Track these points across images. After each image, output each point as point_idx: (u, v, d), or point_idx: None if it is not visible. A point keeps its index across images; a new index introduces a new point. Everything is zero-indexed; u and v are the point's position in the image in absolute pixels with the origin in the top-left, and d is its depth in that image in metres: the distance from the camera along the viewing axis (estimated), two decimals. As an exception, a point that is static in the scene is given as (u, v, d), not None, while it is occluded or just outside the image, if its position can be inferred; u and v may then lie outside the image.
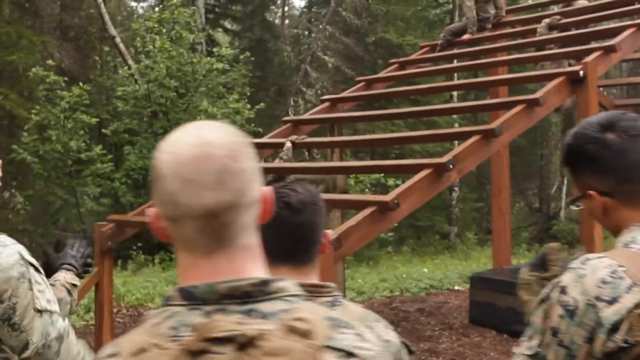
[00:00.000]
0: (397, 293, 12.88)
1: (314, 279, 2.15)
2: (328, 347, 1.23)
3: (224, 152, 1.29)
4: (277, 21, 27.39)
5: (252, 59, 18.59)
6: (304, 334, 1.23)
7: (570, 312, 1.75)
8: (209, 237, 1.31)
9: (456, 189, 22.19)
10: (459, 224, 22.46)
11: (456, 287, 13.03)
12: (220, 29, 28.44)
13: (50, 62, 15.80)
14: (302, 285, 1.98)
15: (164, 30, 16.63)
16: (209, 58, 16.55)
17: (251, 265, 1.35)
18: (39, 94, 15.84)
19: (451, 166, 6.65)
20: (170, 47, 16.09)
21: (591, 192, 1.95)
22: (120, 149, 17.10)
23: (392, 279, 13.75)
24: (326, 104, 10.60)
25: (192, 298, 1.29)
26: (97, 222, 8.95)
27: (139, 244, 15.47)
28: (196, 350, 1.22)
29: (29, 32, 17.74)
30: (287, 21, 27.28)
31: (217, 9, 27.05)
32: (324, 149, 11.29)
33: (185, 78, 16.47)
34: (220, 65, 16.34)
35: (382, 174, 14.85)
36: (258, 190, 1.37)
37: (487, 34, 11.29)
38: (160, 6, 18.58)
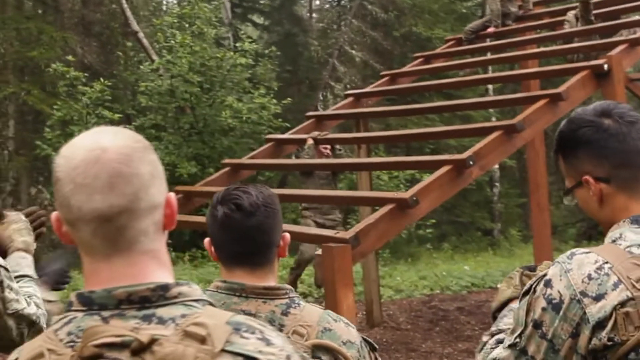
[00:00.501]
0: (437, 291, 12.66)
1: (271, 281, 2.12)
2: (226, 351, 1.21)
3: (115, 157, 1.30)
4: (305, 15, 27.25)
5: (279, 53, 18.53)
6: (201, 339, 1.22)
7: (555, 306, 1.72)
8: (105, 242, 1.31)
9: (497, 184, 21.91)
10: (502, 220, 22.15)
11: (498, 286, 12.79)
12: (248, 23, 28.47)
13: (70, 57, 15.83)
14: (256, 288, 2.06)
15: (187, 26, 16.61)
16: (232, 53, 16.47)
17: (154, 270, 1.33)
18: (59, 90, 15.88)
19: (472, 162, 6.55)
20: (192, 42, 16.05)
21: (587, 177, 1.87)
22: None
23: (431, 276, 13.53)
24: (350, 98, 10.53)
25: (90, 303, 1.28)
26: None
27: (169, 241, 15.46)
28: (89, 356, 1.21)
29: (49, 27, 17.79)
30: (315, 15, 27.16)
31: (244, 3, 27.04)
32: (347, 145, 11.24)
33: (210, 73, 16.44)
34: (243, 60, 16.27)
35: (407, 170, 14.74)
36: (159, 194, 1.36)
37: (514, 26, 11.14)
38: (186, 1, 18.51)
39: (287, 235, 2.21)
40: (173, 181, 14.54)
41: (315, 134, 8.93)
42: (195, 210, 9.30)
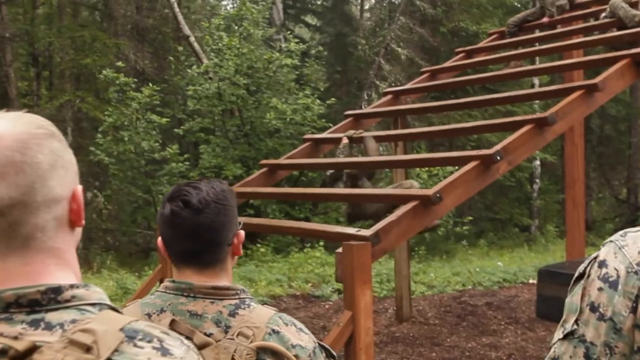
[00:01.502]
0: (469, 287, 12.67)
1: (223, 281, 2.06)
2: None
3: (9, 144, 1.18)
4: (356, 14, 27.24)
5: (325, 53, 18.54)
6: (85, 348, 1.12)
7: (612, 283, 1.62)
8: None
9: (537, 180, 21.60)
10: (540, 217, 21.84)
11: (531, 281, 12.69)
12: (301, 24, 28.59)
13: (120, 63, 16.14)
14: (204, 288, 2.00)
15: (236, 28, 16.75)
16: (277, 54, 16.55)
17: (53, 270, 1.23)
18: (109, 96, 16.19)
19: (499, 157, 6.44)
20: (239, 45, 16.16)
21: None
22: (197, 148, 17.35)
23: (464, 272, 13.55)
24: (389, 96, 10.47)
25: None
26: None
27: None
28: None
29: (102, 34, 18.16)
30: (367, 14, 27.09)
31: (297, 4, 27.15)
32: (383, 142, 11.16)
33: (257, 75, 16.54)
34: (289, 61, 16.33)
35: (435, 167, 14.60)
36: (61, 187, 1.25)
37: (565, 15, 10.90)
38: (236, 3, 18.68)
39: (242, 233, 2.13)
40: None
41: (351, 132, 8.89)
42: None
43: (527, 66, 11.87)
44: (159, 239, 2.10)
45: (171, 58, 18.82)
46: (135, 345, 1.15)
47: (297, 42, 17.27)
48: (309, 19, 28.80)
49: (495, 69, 13.79)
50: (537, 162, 21.20)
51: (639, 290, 1.59)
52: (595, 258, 1.70)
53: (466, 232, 17.79)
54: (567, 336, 1.66)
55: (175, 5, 18.14)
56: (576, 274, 1.72)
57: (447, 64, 11.19)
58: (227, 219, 2.04)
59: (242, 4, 16.78)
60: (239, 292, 2.04)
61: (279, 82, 16.78)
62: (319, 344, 2.07)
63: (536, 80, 19.71)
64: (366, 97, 18.55)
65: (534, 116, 7.35)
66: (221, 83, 16.04)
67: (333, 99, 17.50)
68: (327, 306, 11.11)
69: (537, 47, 11.88)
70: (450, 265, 15.12)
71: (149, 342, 1.17)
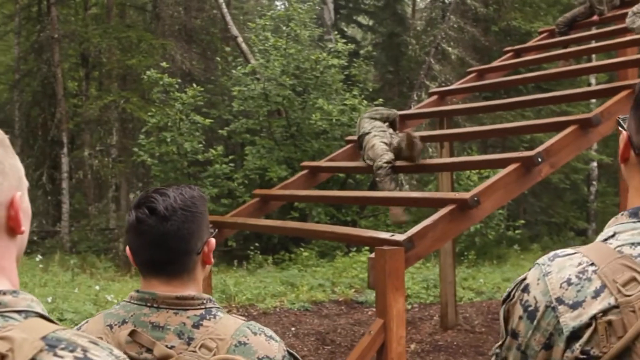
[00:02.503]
0: (520, 293, 12.29)
1: (191, 291, 1.95)
2: None
3: None
4: (408, 14, 27.00)
5: (374, 53, 18.35)
6: (0, 356, 1.08)
7: (530, 314, 1.47)
8: None
9: (594, 182, 21.05)
10: (597, 220, 21.27)
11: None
12: (354, 25, 28.49)
13: (164, 64, 16.18)
14: (167, 298, 1.91)
15: (284, 28, 16.67)
16: (325, 54, 16.40)
17: None
18: (153, 97, 16.25)
19: (540, 159, 6.22)
20: (285, 45, 16.06)
21: (625, 133, 1.59)
22: (243, 149, 17.32)
23: (515, 278, 13.12)
24: (435, 97, 10.28)
25: None
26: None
27: (257, 244, 15.60)
28: None
29: (148, 35, 18.27)
30: (423, 14, 26.84)
31: (350, 4, 27.06)
32: (431, 142, 10.92)
33: (304, 76, 16.43)
34: (336, 61, 16.17)
35: (486, 169, 14.25)
36: None
37: (617, 12, 10.54)
38: (285, 4, 18.65)
39: (212, 241, 2.02)
40: (262, 185, 14.62)
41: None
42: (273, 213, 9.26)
43: (578, 65, 11.55)
44: (127, 247, 2.01)
45: (218, 59, 18.81)
46: (55, 355, 1.11)
47: (344, 43, 17.09)
48: (362, 18, 28.69)
49: (548, 69, 13.44)
50: (594, 164, 20.69)
51: (554, 328, 1.43)
52: (522, 280, 1.53)
53: (519, 236, 17.39)
54: (496, 356, 1.57)
55: (224, 5, 18.15)
56: (505, 294, 1.57)
57: (495, 63, 10.93)
58: (196, 226, 1.94)
59: (290, 4, 16.66)
60: (204, 301, 1.94)
61: (326, 82, 16.63)
62: (289, 351, 1.98)
63: (593, 79, 19.21)
64: (416, 98, 18.29)
65: (578, 117, 7.07)
66: (267, 84, 15.96)
67: (381, 99, 17.27)
68: (369, 312, 10.91)
69: (587, 46, 11.51)
70: (501, 270, 14.77)
71: (72, 351, 1.12)
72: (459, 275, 12.60)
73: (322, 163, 9.36)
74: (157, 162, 15.61)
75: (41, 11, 20.89)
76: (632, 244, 1.47)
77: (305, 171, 9.06)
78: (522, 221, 18.00)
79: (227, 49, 18.89)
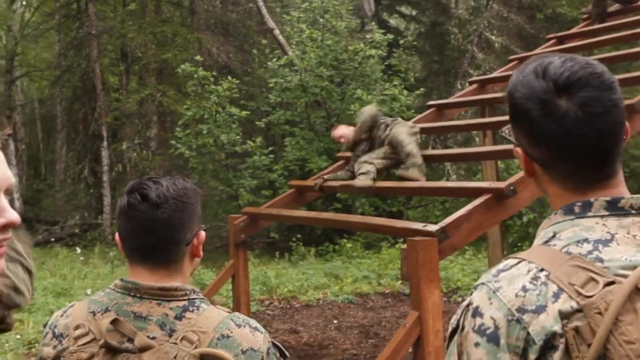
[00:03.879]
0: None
1: (177, 282, 1.93)
2: None
3: None
4: (452, 2, 26.67)
5: (415, 43, 18.10)
6: None
7: (490, 336, 1.31)
8: None
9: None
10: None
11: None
12: (396, 15, 28.25)
13: (198, 57, 16.16)
14: (150, 289, 1.89)
15: (320, 20, 16.53)
16: (362, 45, 16.20)
17: None
18: (187, 90, 16.27)
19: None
20: (322, 37, 15.91)
21: (519, 150, 1.48)
22: (282, 140, 17.25)
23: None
24: (474, 85, 10.07)
25: None
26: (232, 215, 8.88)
27: (299, 235, 15.48)
28: None
29: (183, 29, 18.31)
30: (466, 3, 26.48)
31: (391, -5, 26.86)
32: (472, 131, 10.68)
33: (342, 67, 16.27)
34: (374, 52, 15.97)
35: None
36: None
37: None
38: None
39: (202, 233, 2.00)
40: (303, 176, 14.50)
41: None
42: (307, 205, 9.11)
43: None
44: (117, 233, 1.99)
45: (255, 51, 18.75)
46: None
47: (383, 33, 16.87)
48: (404, 9, 28.44)
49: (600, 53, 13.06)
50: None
51: (525, 342, 1.29)
52: (468, 306, 1.37)
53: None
54: None
55: (259, -2, 18.14)
56: (450, 328, 1.40)
57: (537, 50, 10.64)
58: (186, 216, 1.93)
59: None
60: (188, 292, 1.93)
61: (365, 73, 16.45)
62: (273, 343, 1.95)
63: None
64: (459, 87, 18.00)
65: (633, 101, 6.78)
66: (304, 75, 15.83)
67: (423, 89, 17.01)
68: (417, 305, 10.72)
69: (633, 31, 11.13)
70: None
71: None
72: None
73: (358, 153, 9.21)
74: (195, 154, 15.61)
75: (80, 8, 21.19)
76: (578, 241, 1.35)
77: (341, 162, 8.92)
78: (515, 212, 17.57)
79: (264, 41, 18.82)
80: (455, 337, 1.38)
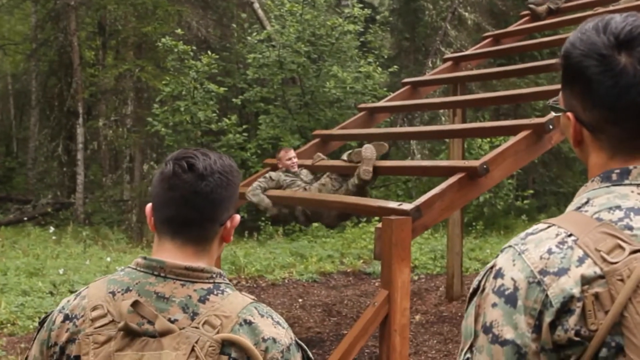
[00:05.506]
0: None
1: (203, 262, 1.85)
2: None
3: None
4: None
5: (390, 19, 18.03)
6: None
7: (509, 297, 1.31)
8: None
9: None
10: (608, 191, 20.87)
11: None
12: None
13: (179, 31, 15.95)
14: (176, 268, 1.82)
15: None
16: (341, 20, 16.11)
17: None
18: (167, 65, 16.06)
19: (551, 127, 6.02)
20: (301, 10, 15.77)
21: (570, 114, 1.45)
22: (257, 118, 17.14)
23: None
24: (449, 63, 10.09)
25: None
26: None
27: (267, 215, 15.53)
28: None
29: (164, 1, 17.99)
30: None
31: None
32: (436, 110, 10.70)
33: (319, 42, 16.17)
34: (352, 27, 15.89)
35: (498, 137, 13.97)
36: None
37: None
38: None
39: (237, 217, 1.93)
40: (275, 154, 14.49)
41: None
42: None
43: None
44: (149, 205, 1.91)
45: (234, 25, 18.54)
46: None
47: (361, 7, 16.76)
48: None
49: (564, 33, 13.11)
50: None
51: (542, 305, 1.28)
52: (491, 268, 1.36)
53: (527, 206, 17.14)
54: None
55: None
56: (471, 290, 1.39)
57: (511, 28, 10.69)
58: (227, 195, 1.87)
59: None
60: (214, 275, 1.84)
61: (341, 49, 16.37)
62: (297, 342, 1.88)
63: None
64: (431, 65, 18.00)
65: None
66: (282, 51, 15.73)
67: (396, 66, 17.00)
68: (377, 284, 10.82)
69: (612, 8, 11.19)
70: (508, 241, 14.56)
71: None
72: (466, 245, 12.49)
73: (334, 131, 9.22)
74: (171, 132, 15.47)
75: (58, -22, 20.65)
76: (610, 208, 1.33)
77: (316, 140, 8.92)
78: (531, 191, 17.73)
79: (243, 15, 18.59)
80: (475, 299, 1.38)
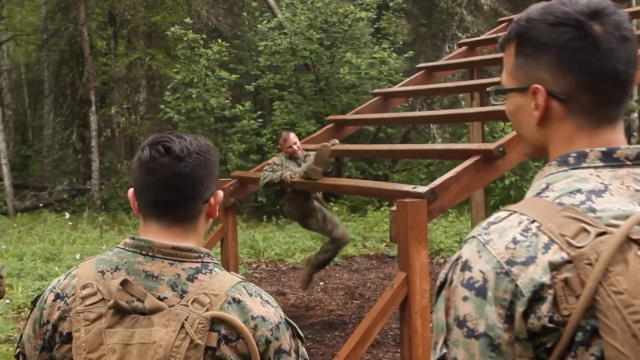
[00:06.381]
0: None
1: (191, 243, 1.88)
2: None
3: None
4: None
5: (404, 5, 17.95)
6: None
7: (479, 290, 1.28)
8: None
9: (635, 134, 20.50)
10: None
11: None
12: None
13: (188, 20, 15.99)
14: (163, 247, 1.85)
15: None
16: (353, 7, 16.07)
17: None
18: (177, 53, 16.12)
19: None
20: (312, -2, 15.78)
21: (538, 87, 1.40)
22: (271, 104, 17.17)
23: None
24: (464, 48, 10.06)
25: None
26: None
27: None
28: None
29: (173, -9, 18.07)
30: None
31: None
32: (457, 94, 10.65)
33: (332, 29, 16.15)
34: (364, 14, 15.85)
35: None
36: None
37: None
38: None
39: (220, 193, 1.96)
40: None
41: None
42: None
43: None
44: (131, 190, 1.95)
45: (245, 14, 18.57)
46: None
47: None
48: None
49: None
50: (635, 115, 20.10)
51: (512, 295, 1.26)
52: (457, 260, 1.34)
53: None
54: None
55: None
56: (438, 283, 1.37)
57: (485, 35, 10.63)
58: (207, 173, 1.90)
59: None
60: (202, 255, 1.87)
61: (354, 36, 16.34)
62: (287, 320, 1.90)
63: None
64: (447, 50, 17.92)
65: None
66: (294, 38, 15.72)
67: (411, 52, 16.93)
68: (399, 267, 10.82)
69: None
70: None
71: None
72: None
73: (348, 116, 9.20)
74: (184, 118, 15.51)
75: (67, -31, 20.75)
76: (571, 192, 1.32)
77: (330, 125, 8.91)
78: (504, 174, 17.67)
79: (254, 3, 18.63)
80: (443, 292, 1.36)
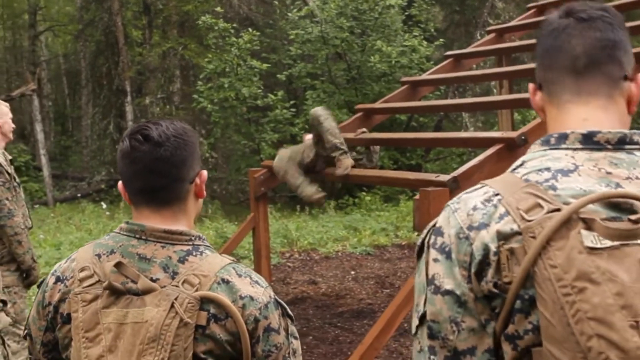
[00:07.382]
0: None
1: (181, 223, 1.99)
2: None
3: None
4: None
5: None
6: None
7: (448, 253, 1.41)
8: None
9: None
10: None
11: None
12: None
13: (219, 9, 16.07)
14: (155, 231, 1.94)
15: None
16: (383, -6, 16.09)
17: None
18: (208, 42, 16.20)
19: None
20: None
21: (531, 84, 1.58)
22: (304, 93, 17.23)
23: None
24: (492, 35, 9.98)
25: None
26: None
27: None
28: None
29: (203, -20, 18.15)
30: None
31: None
32: (486, 81, 10.62)
33: (363, 17, 16.15)
34: (394, 1, 15.82)
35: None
36: None
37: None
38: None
39: (204, 172, 2.05)
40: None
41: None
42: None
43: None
44: (120, 182, 2.04)
45: (276, 2, 18.63)
46: None
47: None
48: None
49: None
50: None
51: (471, 257, 1.37)
52: (433, 226, 1.47)
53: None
54: (421, 320, 1.45)
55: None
56: (417, 248, 1.50)
57: (549, -1, 10.51)
58: (187, 154, 1.97)
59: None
60: (193, 238, 1.97)
61: (385, 24, 16.32)
62: (276, 299, 1.98)
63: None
64: (479, 37, 17.80)
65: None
66: (325, 26, 15.75)
67: (442, 39, 16.88)
68: (432, 256, 10.85)
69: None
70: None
71: None
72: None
73: (377, 105, 9.22)
74: (217, 108, 15.63)
75: (101, -41, 20.93)
76: (539, 170, 1.41)
77: (359, 114, 8.95)
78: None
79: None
80: (423, 255, 1.47)
